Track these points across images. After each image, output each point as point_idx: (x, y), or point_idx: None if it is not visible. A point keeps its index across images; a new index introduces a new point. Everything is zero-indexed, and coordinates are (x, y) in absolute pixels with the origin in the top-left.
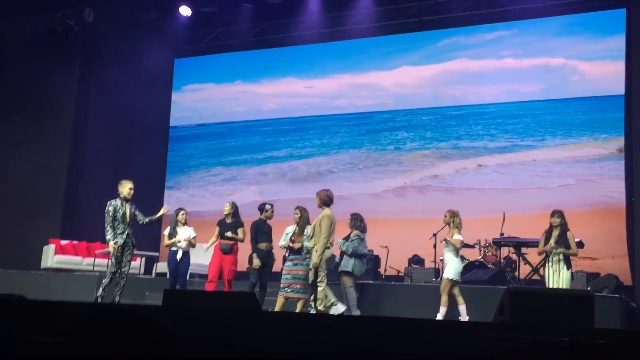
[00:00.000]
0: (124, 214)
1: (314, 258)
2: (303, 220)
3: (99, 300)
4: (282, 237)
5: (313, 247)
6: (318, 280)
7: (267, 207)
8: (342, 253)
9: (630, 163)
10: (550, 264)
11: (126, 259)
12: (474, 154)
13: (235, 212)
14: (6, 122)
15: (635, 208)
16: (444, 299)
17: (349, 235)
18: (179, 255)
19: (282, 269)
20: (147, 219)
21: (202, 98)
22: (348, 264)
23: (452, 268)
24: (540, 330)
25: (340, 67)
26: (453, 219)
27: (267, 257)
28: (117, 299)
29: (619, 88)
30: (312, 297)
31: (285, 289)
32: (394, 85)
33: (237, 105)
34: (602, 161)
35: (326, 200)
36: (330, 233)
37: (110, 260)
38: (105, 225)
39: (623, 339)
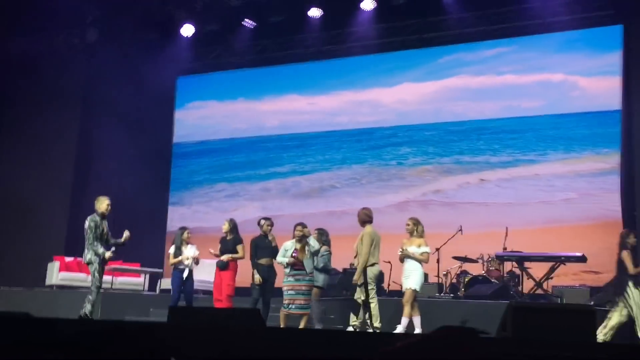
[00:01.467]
0: (103, 230)
1: (355, 275)
2: (306, 236)
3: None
4: (281, 252)
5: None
6: (370, 297)
7: (262, 222)
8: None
9: (629, 177)
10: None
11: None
12: (476, 168)
13: (233, 228)
14: (11, 140)
15: (637, 221)
16: (407, 310)
17: (317, 251)
18: (185, 274)
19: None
20: (113, 241)
21: (205, 115)
22: (319, 278)
23: (417, 278)
24: (542, 345)
25: (341, 84)
26: (416, 228)
27: (267, 273)
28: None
29: (618, 103)
30: (366, 316)
31: (289, 305)
32: (395, 101)
33: (240, 122)
34: (603, 175)
35: (365, 218)
36: (373, 249)
37: (94, 276)
38: (89, 241)
39: (624, 354)
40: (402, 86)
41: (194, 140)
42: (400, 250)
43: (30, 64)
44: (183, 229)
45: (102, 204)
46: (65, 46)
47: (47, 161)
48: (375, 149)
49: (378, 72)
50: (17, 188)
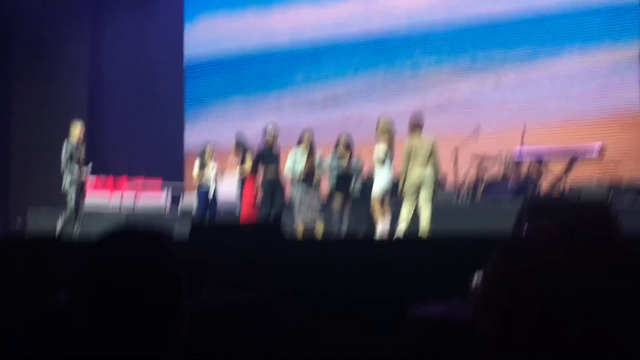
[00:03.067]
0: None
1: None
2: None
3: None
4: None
5: None
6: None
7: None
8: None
9: None
10: None
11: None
12: (491, 68)
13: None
14: (22, 71)
15: None
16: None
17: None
18: (210, 192)
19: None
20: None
21: (214, 29)
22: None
23: (378, 183)
24: None
25: None
26: (377, 129)
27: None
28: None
29: None
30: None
31: (303, 214)
32: (406, 2)
33: (250, 34)
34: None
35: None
36: (406, 158)
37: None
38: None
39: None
40: None
41: (206, 55)
42: None
43: None
44: (206, 144)
45: (75, 129)
46: None
47: (59, 89)
48: (389, 54)
49: None
50: (34, 115)
